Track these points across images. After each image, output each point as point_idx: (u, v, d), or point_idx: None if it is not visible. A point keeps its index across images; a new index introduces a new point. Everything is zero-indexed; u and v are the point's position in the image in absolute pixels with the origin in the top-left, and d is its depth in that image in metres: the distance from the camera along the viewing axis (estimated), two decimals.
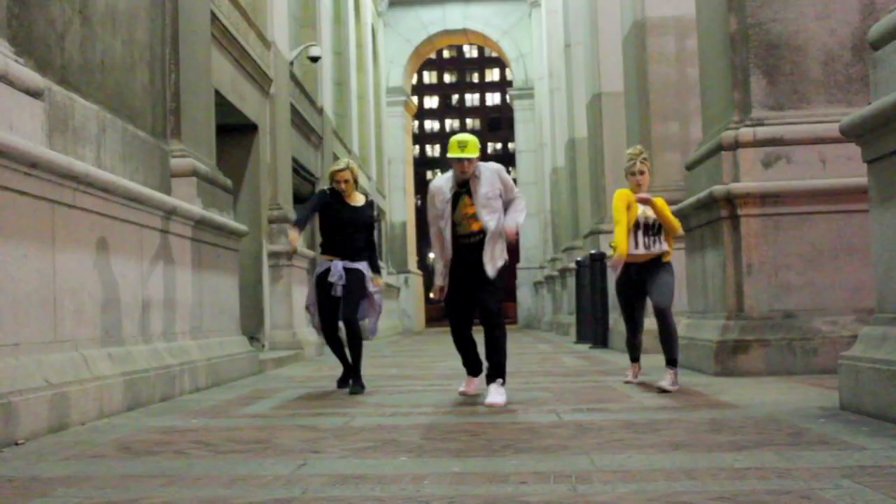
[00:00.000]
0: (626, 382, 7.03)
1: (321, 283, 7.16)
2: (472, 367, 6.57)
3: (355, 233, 7.19)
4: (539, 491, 3.05)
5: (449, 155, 6.18)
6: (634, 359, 7.15)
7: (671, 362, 6.47)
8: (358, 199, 7.30)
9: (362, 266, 7.19)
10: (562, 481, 3.20)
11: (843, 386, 4.93)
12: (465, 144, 6.13)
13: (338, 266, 7.08)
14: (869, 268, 5.26)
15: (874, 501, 2.74)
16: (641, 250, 6.60)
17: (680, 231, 6.76)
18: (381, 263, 28.91)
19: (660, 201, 6.60)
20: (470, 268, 6.16)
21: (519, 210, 6.24)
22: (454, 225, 6.21)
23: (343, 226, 7.17)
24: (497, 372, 6.08)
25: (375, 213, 7.33)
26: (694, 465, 3.44)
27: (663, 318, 6.50)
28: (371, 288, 7.19)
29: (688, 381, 7.05)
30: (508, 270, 6.37)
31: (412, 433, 4.57)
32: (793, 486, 2.98)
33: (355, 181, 7.26)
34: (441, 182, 6.32)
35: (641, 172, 6.67)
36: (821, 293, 7.27)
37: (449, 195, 6.20)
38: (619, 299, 7.01)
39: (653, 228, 6.59)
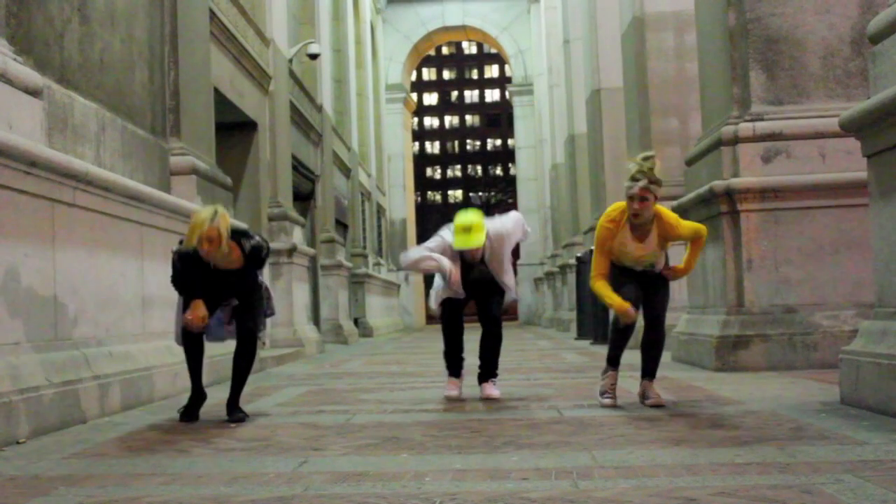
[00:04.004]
0: (609, 406, 5.30)
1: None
2: (458, 366, 6.29)
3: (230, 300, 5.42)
4: (540, 487, 3.06)
5: (456, 247, 5.93)
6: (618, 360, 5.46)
7: (652, 374, 5.41)
8: (230, 260, 5.23)
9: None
10: (563, 477, 3.20)
11: (844, 380, 4.93)
12: (470, 229, 5.88)
13: (218, 316, 5.45)
14: (869, 262, 5.26)
15: (875, 496, 2.74)
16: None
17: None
18: (383, 264, 28.94)
19: (675, 224, 5.23)
20: (478, 277, 6.16)
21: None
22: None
23: (215, 295, 5.33)
24: (493, 370, 6.21)
25: (264, 253, 5.35)
26: (695, 460, 3.44)
27: (658, 324, 5.43)
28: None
29: (688, 376, 7.05)
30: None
31: (413, 430, 4.57)
32: (794, 481, 2.98)
33: (220, 238, 5.03)
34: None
35: (643, 199, 5.05)
36: (821, 288, 7.27)
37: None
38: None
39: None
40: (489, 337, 6.21)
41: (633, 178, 5.07)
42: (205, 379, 7.65)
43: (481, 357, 6.23)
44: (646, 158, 5.13)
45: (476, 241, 5.87)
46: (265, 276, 5.64)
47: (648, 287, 5.36)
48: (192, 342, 5.36)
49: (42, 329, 5.05)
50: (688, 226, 5.34)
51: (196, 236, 5.02)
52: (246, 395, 6.83)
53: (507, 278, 6.18)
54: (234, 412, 5.30)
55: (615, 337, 5.41)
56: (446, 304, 6.26)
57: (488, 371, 6.20)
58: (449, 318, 6.30)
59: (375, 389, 7.03)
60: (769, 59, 7.54)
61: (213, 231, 5.01)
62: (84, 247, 5.67)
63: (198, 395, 5.43)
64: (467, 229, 5.88)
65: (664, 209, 5.29)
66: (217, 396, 6.81)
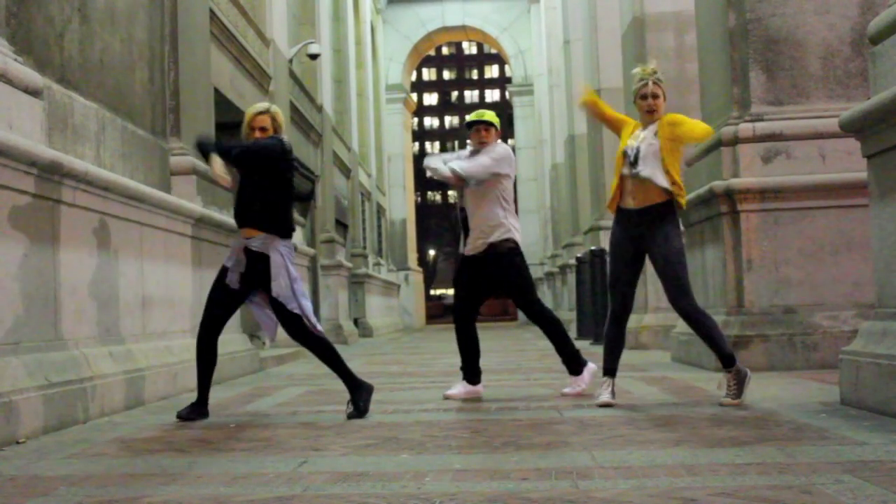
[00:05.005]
0: (605, 405, 5.25)
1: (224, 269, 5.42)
2: (475, 373, 6.21)
3: (253, 191, 5.30)
4: (540, 487, 3.06)
5: (469, 118, 6.28)
6: (613, 369, 5.41)
7: (727, 360, 5.31)
8: None
9: (278, 247, 5.27)
10: (563, 478, 3.20)
11: (844, 381, 4.93)
12: (484, 113, 6.26)
13: (238, 246, 5.34)
14: (869, 263, 5.26)
15: (875, 496, 2.74)
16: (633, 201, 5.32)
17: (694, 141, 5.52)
18: (383, 264, 28.88)
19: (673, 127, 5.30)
20: (482, 263, 6.18)
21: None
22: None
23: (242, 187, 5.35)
24: (576, 360, 6.20)
25: (286, 145, 5.35)
26: (695, 460, 3.44)
27: (689, 317, 5.40)
28: (290, 269, 5.30)
29: (688, 376, 7.06)
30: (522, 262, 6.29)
31: (413, 430, 4.57)
32: (794, 482, 2.98)
33: (274, 128, 5.36)
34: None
35: (655, 96, 5.35)
36: (821, 288, 7.27)
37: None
38: (609, 265, 5.51)
39: (634, 163, 5.27)
40: (544, 329, 6.26)
41: (642, 78, 5.42)
42: None
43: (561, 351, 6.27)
44: (649, 71, 5.45)
45: (489, 116, 6.22)
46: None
47: (654, 248, 5.35)
48: (205, 347, 5.36)
49: (42, 329, 5.05)
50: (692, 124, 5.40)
51: (248, 123, 5.32)
52: (245, 395, 6.85)
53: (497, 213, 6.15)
54: (356, 391, 5.36)
55: (607, 343, 5.46)
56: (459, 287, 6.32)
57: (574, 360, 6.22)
58: (459, 325, 6.29)
59: (375, 389, 7.02)
60: (769, 59, 7.54)
61: (266, 119, 5.31)
62: (84, 247, 5.67)
63: (202, 405, 5.34)
64: (482, 113, 6.29)
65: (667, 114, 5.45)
66: (217, 396, 6.81)
